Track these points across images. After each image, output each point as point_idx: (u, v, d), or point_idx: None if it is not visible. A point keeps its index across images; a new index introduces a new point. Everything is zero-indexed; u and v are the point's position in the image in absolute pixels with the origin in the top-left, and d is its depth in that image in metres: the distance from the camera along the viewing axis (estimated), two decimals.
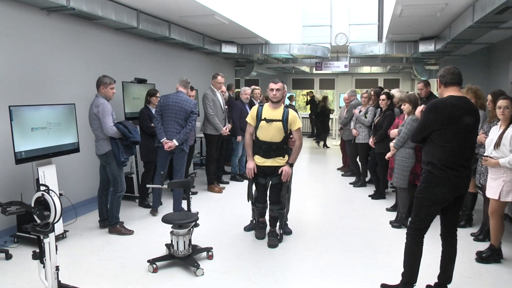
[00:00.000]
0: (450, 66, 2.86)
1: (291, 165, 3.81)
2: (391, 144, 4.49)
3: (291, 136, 3.85)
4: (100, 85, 4.15)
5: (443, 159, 2.68)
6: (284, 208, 3.94)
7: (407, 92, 5.43)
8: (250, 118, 3.85)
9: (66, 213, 4.42)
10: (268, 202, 3.97)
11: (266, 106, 3.83)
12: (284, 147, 3.81)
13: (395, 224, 4.52)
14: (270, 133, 3.74)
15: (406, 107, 4.40)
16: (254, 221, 4.24)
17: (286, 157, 3.83)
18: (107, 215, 4.34)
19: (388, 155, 4.57)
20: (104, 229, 4.36)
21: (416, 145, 4.35)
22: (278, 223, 4.04)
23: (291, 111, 3.78)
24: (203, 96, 6.05)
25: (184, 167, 4.82)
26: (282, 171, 3.75)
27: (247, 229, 4.31)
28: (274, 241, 3.92)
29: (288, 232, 4.23)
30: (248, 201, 4.01)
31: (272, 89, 3.73)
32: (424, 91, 5.42)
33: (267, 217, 4.11)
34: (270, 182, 3.86)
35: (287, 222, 4.29)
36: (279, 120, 3.71)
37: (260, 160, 3.82)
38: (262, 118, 3.75)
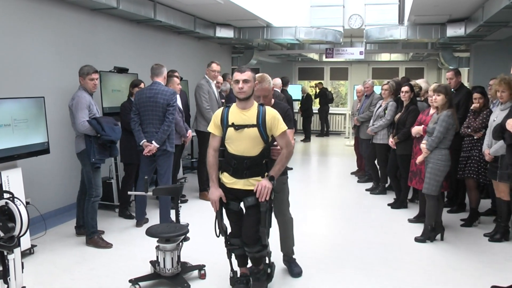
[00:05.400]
0: None
1: (271, 178, 3.07)
2: (422, 145, 4.43)
3: (275, 143, 3.17)
4: (79, 76, 4.29)
5: None
6: (266, 248, 3.18)
7: (435, 83, 5.42)
8: (213, 126, 3.15)
9: (34, 225, 4.42)
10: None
11: (234, 107, 3.14)
12: (263, 163, 3.12)
13: (420, 238, 4.50)
14: (242, 144, 3.06)
15: (440, 98, 4.30)
16: (233, 275, 3.37)
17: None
18: (83, 222, 4.43)
19: (420, 158, 4.48)
20: (80, 237, 4.44)
21: (450, 145, 4.35)
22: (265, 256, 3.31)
23: (269, 109, 3.10)
24: (196, 87, 6.04)
25: (170, 171, 4.82)
26: (258, 187, 3.02)
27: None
28: (261, 287, 3.27)
29: (297, 273, 3.67)
30: (218, 236, 3.25)
31: (237, 81, 3.03)
32: (454, 81, 5.43)
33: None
34: (244, 206, 3.16)
35: (294, 257, 3.77)
36: (253, 125, 3.04)
37: (228, 180, 3.15)
38: (229, 124, 3.08)
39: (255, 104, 3.13)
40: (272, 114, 3.07)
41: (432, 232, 4.47)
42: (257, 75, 3.36)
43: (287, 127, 3.11)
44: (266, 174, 3.09)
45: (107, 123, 4.21)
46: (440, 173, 4.33)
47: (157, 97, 4.61)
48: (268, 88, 3.43)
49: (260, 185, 3.02)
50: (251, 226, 3.11)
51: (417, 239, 4.50)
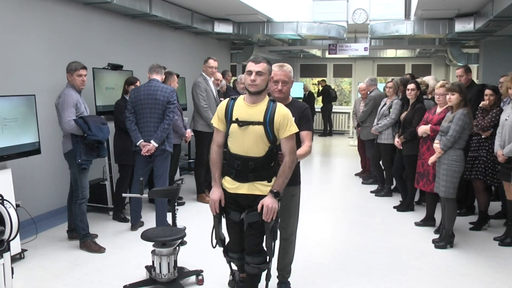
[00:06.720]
0: None
1: (276, 195, 2.84)
2: (436, 145, 4.42)
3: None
4: (67, 73, 4.29)
5: None
6: (269, 262, 3.00)
7: (443, 80, 5.41)
8: (216, 120, 2.99)
9: (25, 228, 4.41)
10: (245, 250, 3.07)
11: (241, 100, 2.94)
12: (271, 166, 2.91)
13: (440, 243, 4.44)
14: (245, 142, 2.85)
15: (455, 97, 4.27)
16: (232, 277, 3.38)
17: (274, 180, 2.92)
18: (75, 225, 4.45)
19: (432, 158, 4.46)
20: (72, 241, 4.46)
21: (465, 145, 4.34)
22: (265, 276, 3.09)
23: (280, 107, 2.87)
24: (193, 84, 6.04)
25: (167, 172, 4.82)
26: (262, 206, 2.82)
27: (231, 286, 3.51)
28: None
29: None
30: (215, 247, 3.10)
31: (250, 72, 2.83)
32: (464, 79, 5.42)
33: None
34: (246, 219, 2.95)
35: (287, 278, 3.52)
36: (259, 123, 2.83)
37: (231, 185, 2.94)
38: (234, 119, 2.89)
39: (266, 99, 2.90)
40: (282, 113, 2.85)
41: (453, 237, 4.45)
42: (277, 63, 3.23)
43: (296, 130, 2.90)
44: (270, 189, 2.88)
45: (94, 122, 4.21)
46: (456, 174, 4.31)
47: (157, 94, 4.60)
48: (289, 75, 3.21)
49: (266, 206, 2.81)
50: (253, 240, 2.97)
51: (437, 245, 4.44)
